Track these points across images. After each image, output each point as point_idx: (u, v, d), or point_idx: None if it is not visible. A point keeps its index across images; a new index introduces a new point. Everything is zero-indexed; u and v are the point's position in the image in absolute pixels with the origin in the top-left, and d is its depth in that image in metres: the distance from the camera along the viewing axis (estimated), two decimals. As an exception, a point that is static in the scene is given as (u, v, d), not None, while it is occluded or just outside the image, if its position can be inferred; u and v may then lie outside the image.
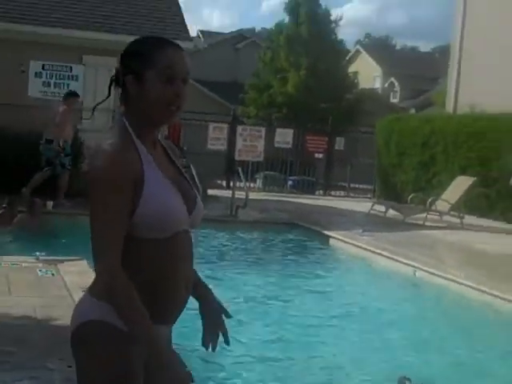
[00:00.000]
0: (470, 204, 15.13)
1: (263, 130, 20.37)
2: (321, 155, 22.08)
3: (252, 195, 15.00)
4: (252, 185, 19.91)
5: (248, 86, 32.43)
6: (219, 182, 19.70)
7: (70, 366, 2.37)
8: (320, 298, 8.61)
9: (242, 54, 40.83)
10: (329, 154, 22.13)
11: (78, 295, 2.27)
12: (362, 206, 16.53)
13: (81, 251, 7.65)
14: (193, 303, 2.47)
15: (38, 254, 8.23)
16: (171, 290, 2.30)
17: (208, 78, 35.02)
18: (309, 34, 31.31)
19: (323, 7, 33.00)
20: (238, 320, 7.31)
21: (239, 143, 19.36)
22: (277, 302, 8.39)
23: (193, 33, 31.53)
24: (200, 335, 2.48)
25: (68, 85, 15.76)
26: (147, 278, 2.25)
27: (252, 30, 51.01)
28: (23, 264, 7.90)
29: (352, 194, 21.81)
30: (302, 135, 22.28)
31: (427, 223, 14.07)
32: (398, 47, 67.93)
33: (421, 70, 44.56)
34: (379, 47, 57.25)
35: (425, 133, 18.09)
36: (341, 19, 33.46)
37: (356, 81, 34.49)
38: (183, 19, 17.67)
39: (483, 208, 15.67)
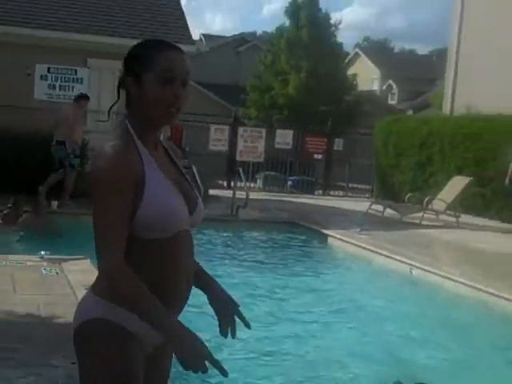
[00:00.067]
0: (466, 203, 15.14)
1: (264, 131, 20.32)
2: (320, 156, 22.08)
3: (252, 195, 15.01)
4: (252, 185, 19.92)
5: (249, 87, 32.41)
6: (220, 182, 19.71)
7: (73, 363, 2.37)
8: (318, 295, 8.61)
9: (243, 57, 40.81)
10: (328, 155, 22.13)
11: (81, 293, 2.29)
12: (360, 205, 16.54)
13: (84, 250, 7.65)
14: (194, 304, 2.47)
15: (42, 253, 8.23)
16: (173, 286, 2.31)
17: (210, 81, 35.03)
18: (309, 37, 31.30)
19: (323, 11, 33.01)
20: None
21: (240, 144, 19.33)
22: (276, 298, 8.39)
23: (195, 36, 31.73)
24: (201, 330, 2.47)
25: (73, 87, 15.77)
26: (150, 277, 2.25)
27: (253, 34, 50.88)
28: (28, 263, 7.91)
29: (350, 194, 21.80)
30: (302, 136, 22.29)
31: (424, 222, 14.07)
32: (396, 50, 67.87)
33: (418, 73, 44.51)
34: (378, 50, 57.21)
35: (422, 134, 18.08)
36: (340, 23, 33.47)
37: (355, 83, 34.44)
38: (186, 23, 17.68)
39: (479, 207, 15.67)
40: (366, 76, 43.96)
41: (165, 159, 2.40)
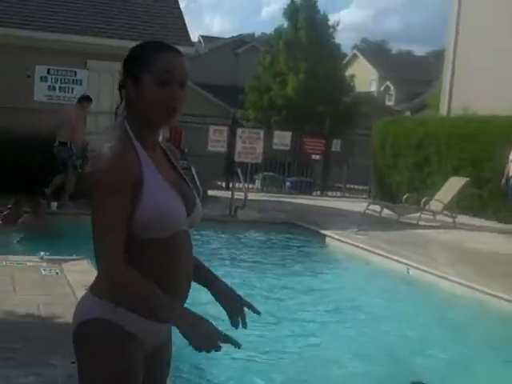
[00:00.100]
0: (462, 204, 15.15)
1: (262, 132, 20.39)
2: (318, 157, 22.08)
3: (251, 196, 15.03)
4: (251, 186, 19.95)
5: (248, 88, 32.40)
6: (219, 183, 19.69)
7: (73, 363, 2.37)
8: (316, 294, 8.62)
9: (241, 58, 40.79)
10: (326, 156, 22.14)
11: (81, 293, 2.30)
12: (357, 206, 16.55)
13: (84, 251, 7.67)
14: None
15: (42, 253, 8.24)
16: (173, 286, 2.31)
17: (209, 82, 35.00)
18: (307, 39, 31.27)
19: (321, 13, 32.98)
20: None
21: (239, 145, 19.37)
22: (274, 298, 8.39)
23: (194, 38, 31.67)
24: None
25: (72, 89, 15.78)
26: (150, 276, 2.24)
27: (252, 35, 50.82)
28: (28, 263, 7.92)
29: (348, 195, 21.81)
30: (300, 137, 22.29)
31: (421, 223, 14.07)
32: (393, 51, 67.72)
33: (415, 74, 44.52)
34: (375, 51, 57.15)
35: (419, 135, 18.09)
36: (338, 24, 33.45)
37: (352, 84, 34.40)
38: (185, 25, 17.66)
39: (476, 208, 15.68)
40: (364, 77, 43.94)
41: (163, 160, 2.40)
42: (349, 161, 22.61)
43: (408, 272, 9.59)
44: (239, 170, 15.06)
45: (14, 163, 13.11)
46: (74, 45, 15.47)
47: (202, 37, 47.38)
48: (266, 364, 6.00)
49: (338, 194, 21.81)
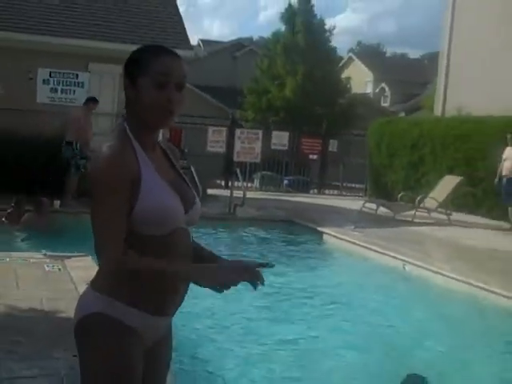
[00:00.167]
0: (457, 202, 15.16)
1: (260, 132, 20.40)
2: (315, 156, 22.08)
3: (249, 194, 15.02)
4: (250, 184, 19.96)
5: (247, 90, 32.43)
6: (218, 181, 19.69)
7: (75, 356, 2.36)
8: (313, 289, 8.60)
9: (240, 61, 40.84)
10: (323, 155, 22.13)
11: (83, 289, 2.30)
12: (354, 204, 16.54)
13: (86, 248, 7.65)
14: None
15: (43, 251, 8.23)
16: (171, 283, 2.30)
17: (208, 84, 35.05)
18: (305, 42, 31.30)
19: (318, 17, 32.99)
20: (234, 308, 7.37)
21: (237, 145, 19.38)
22: (272, 293, 8.38)
23: (193, 42, 31.69)
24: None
25: (74, 91, 15.80)
26: (150, 271, 2.24)
27: (250, 39, 50.82)
28: (31, 260, 7.91)
29: (345, 193, 21.81)
30: (298, 137, 22.30)
31: (416, 220, 14.07)
32: (388, 54, 67.81)
33: (410, 76, 44.55)
34: (371, 54, 57.16)
35: (414, 135, 18.12)
36: (334, 28, 33.46)
37: (349, 86, 34.43)
38: (184, 29, 17.68)
39: (470, 206, 15.69)
40: (360, 79, 43.96)
41: (162, 160, 2.40)
42: (345, 160, 22.61)
43: (404, 268, 9.59)
44: (238, 170, 15.05)
45: (16, 163, 13.09)
46: (75, 48, 15.49)
47: (202, 41, 47.41)
48: (263, 354, 5.99)
49: (335, 192, 21.82)
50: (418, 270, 9.31)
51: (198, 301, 6.76)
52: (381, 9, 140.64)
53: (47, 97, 15.63)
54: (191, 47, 17.94)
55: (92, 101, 13.25)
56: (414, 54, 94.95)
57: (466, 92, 17.65)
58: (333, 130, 24.07)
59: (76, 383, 2.35)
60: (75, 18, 16.40)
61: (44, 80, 15.61)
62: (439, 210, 14.51)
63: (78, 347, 2.32)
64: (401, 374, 4.60)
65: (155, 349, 2.39)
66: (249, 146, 19.35)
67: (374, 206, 14.96)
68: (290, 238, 12.33)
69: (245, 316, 7.18)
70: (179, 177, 2.42)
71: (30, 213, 10.90)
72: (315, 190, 21.97)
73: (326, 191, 21.83)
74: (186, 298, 2.42)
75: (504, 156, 13.41)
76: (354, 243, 11.13)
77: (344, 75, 35.81)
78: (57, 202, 12.36)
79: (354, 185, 22.78)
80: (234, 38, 48.76)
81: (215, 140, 19.65)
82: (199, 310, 6.86)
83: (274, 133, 21.58)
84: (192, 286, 2.39)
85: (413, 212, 14.28)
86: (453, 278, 8.62)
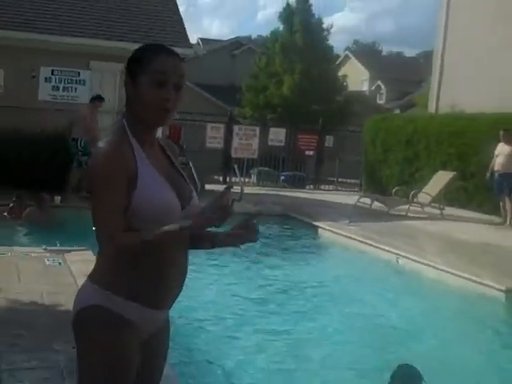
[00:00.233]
0: (449, 196, 15.17)
1: (258, 129, 20.38)
2: (311, 152, 22.06)
3: (247, 189, 14.79)
4: (247, 180, 19.95)
5: (245, 87, 32.41)
6: (216, 177, 19.66)
7: (74, 348, 2.37)
8: (308, 282, 8.61)
9: (238, 59, 40.77)
10: (319, 151, 22.11)
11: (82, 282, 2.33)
12: (349, 198, 16.51)
13: (86, 242, 7.67)
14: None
15: (44, 246, 8.23)
16: (167, 277, 2.30)
17: (207, 82, 35.01)
18: (303, 41, 31.26)
19: (316, 16, 32.96)
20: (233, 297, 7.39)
21: (235, 142, 19.36)
22: (268, 285, 8.42)
23: (193, 40, 31.57)
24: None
25: (76, 89, 15.76)
26: (145, 266, 2.25)
27: (248, 38, 50.73)
28: (32, 254, 7.91)
29: (340, 188, 21.75)
30: (294, 134, 22.28)
31: (410, 214, 14.06)
32: (384, 53, 67.64)
33: (405, 74, 44.49)
34: (367, 53, 57.08)
35: (408, 131, 18.13)
36: (332, 27, 33.42)
37: (345, 84, 34.38)
38: (184, 28, 17.65)
39: (462, 200, 15.69)
40: (356, 77, 43.91)
41: (160, 156, 2.40)
42: (341, 156, 22.59)
43: (398, 261, 9.59)
44: (236, 166, 15.05)
45: (18, 160, 13.09)
46: (77, 47, 15.46)
47: (201, 39, 47.31)
48: (258, 345, 6.01)
49: (331, 187, 21.78)
50: (412, 263, 9.32)
51: (194, 293, 6.81)
52: (378, 8, 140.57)
53: (49, 94, 15.59)
54: (191, 46, 17.90)
55: (98, 99, 13.38)
56: (409, 52, 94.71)
57: (460, 90, 17.64)
58: (329, 127, 24.02)
59: (75, 375, 2.35)
60: (77, 16, 16.36)
61: (46, 78, 15.57)
62: (432, 204, 14.51)
63: (76, 339, 2.32)
64: (392, 364, 4.59)
65: (152, 341, 2.39)
66: (246, 142, 19.34)
67: (368, 200, 14.95)
68: (287, 232, 12.33)
69: (241, 307, 7.20)
70: (177, 173, 2.41)
71: (31, 207, 10.90)
72: (311, 186, 21.94)
73: (322, 186, 21.79)
74: (182, 291, 2.42)
75: (496, 152, 13.40)
76: (349, 237, 11.12)
77: (340, 73, 35.74)
78: (57, 198, 12.36)
79: (349, 180, 22.77)
80: (232, 36, 48.60)
81: (213, 136, 19.61)
82: (195, 303, 6.88)
83: (271, 129, 21.54)
84: (188, 280, 2.39)
85: (407, 206, 14.27)
86: (445, 271, 8.62)
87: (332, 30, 33.24)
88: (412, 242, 10.80)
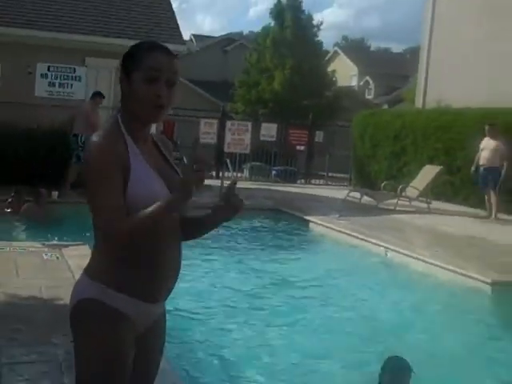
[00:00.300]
0: (436, 190, 15.20)
1: (250, 124, 20.37)
2: (302, 147, 22.07)
3: (239, 184, 14.84)
4: (239, 174, 19.95)
5: (238, 82, 32.37)
6: (210, 173, 19.65)
7: (72, 341, 2.37)
8: (299, 275, 8.62)
9: (230, 55, 40.70)
10: (309, 146, 22.12)
11: (80, 277, 2.35)
12: (339, 193, 16.53)
13: (83, 237, 7.65)
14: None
15: (42, 241, 8.23)
16: (161, 271, 2.30)
17: (200, 78, 34.94)
18: (293, 37, 31.25)
19: (306, 13, 32.94)
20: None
21: (228, 137, 19.35)
22: (260, 277, 8.44)
23: (186, 37, 31.43)
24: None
25: (72, 85, 15.71)
26: (140, 260, 2.25)
27: (240, 34, 50.60)
28: (30, 249, 7.89)
29: (330, 183, 21.80)
30: (285, 129, 22.28)
31: (398, 208, 14.08)
32: (372, 48, 67.61)
33: (393, 69, 44.50)
34: (355, 48, 57.06)
35: (396, 126, 18.13)
36: (322, 24, 33.44)
37: (334, 79, 34.40)
38: (177, 24, 17.60)
39: (448, 194, 15.73)
40: (345, 73, 43.89)
41: (153, 152, 2.39)
42: (330, 151, 22.61)
43: (386, 254, 9.62)
44: (228, 160, 15.03)
45: (15, 156, 13.04)
46: (73, 43, 15.42)
47: (194, 36, 47.21)
48: (251, 338, 6.03)
49: (321, 182, 21.82)
50: (400, 256, 9.34)
51: (188, 286, 6.83)
52: (366, 4, 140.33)
53: (45, 90, 15.54)
54: (184, 42, 17.87)
55: (98, 95, 13.33)
56: (396, 48, 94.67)
57: (446, 85, 17.67)
58: (319, 121, 24.04)
59: (73, 369, 2.35)
60: (72, 13, 16.28)
61: (42, 74, 15.51)
62: (420, 198, 14.54)
63: (72, 333, 2.32)
64: (381, 356, 4.61)
65: (147, 335, 2.38)
66: (239, 137, 19.32)
67: (358, 195, 14.97)
68: (278, 226, 12.33)
69: (234, 300, 7.21)
70: (171, 169, 2.40)
71: (29, 203, 10.86)
72: (302, 180, 21.97)
73: (313, 181, 21.83)
74: (176, 284, 2.41)
75: (481, 146, 13.43)
76: (339, 231, 11.13)
77: (330, 69, 35.76)
78: (55, 193, 12.33)
79: (338, 175, 22.81)
80: (224, 32, 48.48)
81: (206, 132, 19.59)
82: (190, 296, 6.89)
83: (263, 125, 21.55)
84: (182, 273, 2.39)
85: (395, 201, 14.30)
86: (433, 264, 8.65)
87: (321, 26, 33.28)
88: (400, 235, 10.83)
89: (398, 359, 4.37)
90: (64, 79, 15.73)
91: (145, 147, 2.32)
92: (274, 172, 22.20)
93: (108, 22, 16.50)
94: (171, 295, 2.41)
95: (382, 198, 14.65)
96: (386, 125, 18.61)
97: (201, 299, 7.14)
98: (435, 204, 14.66)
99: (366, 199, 14.67)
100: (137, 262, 2.24)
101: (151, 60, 2.23)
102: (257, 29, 40.24)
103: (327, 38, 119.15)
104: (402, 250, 9.41)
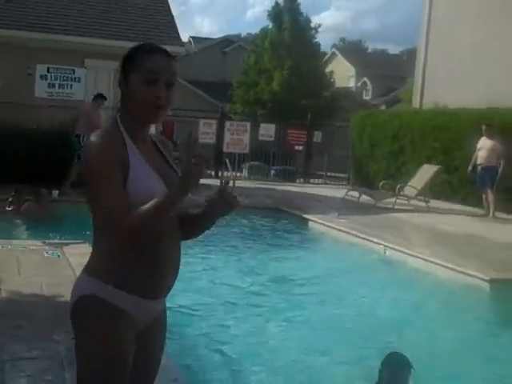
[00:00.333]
0: (434, 189, 15.20)
1: (248, 124, 20.40)
2: (301, 147, 22.07)
3: (238, 183, 14.87)
4: (239, 174, 19.96)
5: (237, 83, 32.39)
6: (209, 171, 19.63)
7: (73, 338, 2.36)
8: (300, 273, 8.61)
9: (229, 57, 40.75)
10: (308, 146, 22.12)
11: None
12: (337, 192, 16.51)
13: (84, 235, 7.64)
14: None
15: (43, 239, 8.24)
16: (161, 268, 2.29)
17: (199, 79, 34.98)
18: (291, 38, 31.28)
19: (304, 15, 32.98)
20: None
21: (227, 137, 19.37)
22: (261, 274, 8.45)
23: (184, 38, 31.46)
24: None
25: (71, 86, 15.72)
26: (139, 257, 2.24)
27: (238, 36, 50.76)
28: (31, 247, 7.92)
29: (329, 182, 21.79)
30: (284, 129, 22.29)
31: (396, 207, 14.08)
32: (369, 50, 67.62)
33: (390, 71, 44.56)
34: (353, 50, 57.09)
35: (394, 126, 18.14)
36: (320, 26, 33.50)
37: (332, 80, 34.44)
38: (175, 26, 17.63)
39: (446, 193, 15.73)
40: (343, 74, 43.95)
41: (152, 151, 2.38)
42: (329, 151, 22.61)
43: (385, 252, 9.61)
44: (227, 160, 15.03)
45: (16, 155, 13.05)
46: (72, 45, 15.43)
47: (192, 37, 47.21)
48: (252, 335, 6.03)
49: (320, 181, 21.81)
50: (398, 254, 9.34)
51: (189, 283, 6.82)
52: (363, 7, 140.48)
53: (45, 91, 15.55)
54: (182, 44, 17.91)
55: (100, 97, 13.37)
56: (393, 50, 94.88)
57: (443, 86, 17.69)
58: (317, 122, 24.04)
59: (74, 364, 2.34)
60: (71, 15, 16.30)
61: (42, 75, 15.52)
62: (418, 197, 14.54)
63: (73, 330, 2.31)
64: (380, 353, 4.61)
65: (148, 331, 2.37)
66: (238, 137, 19.34)
67: (356, 194, 14.96)
68: (278, 225, 12.32)
69: (234, 297, 7.22)
70: (170, 169, 2.40)
71: (29, 202, 10.86)
72: (301, 180, 21.96)
73: (312, 180, 21.82)
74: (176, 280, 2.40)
75: (478, 146, 13.44)
76: (338, 229, 11.12)
77: (327, 70, 35.77)
78: (55, 192, 12.32)
79: (337, 174, 22.80)
80: (222, 34, 48.54)
81: (206, 132, 19.60)
82: (191, 293, 6.89)
83: (262, 125, 21.56)
84: (182, 270, 2.38)
85: (393, 199, 14.29)
86: (432, 262, 8.64)
87: (319, 29, 33.33)
88: (399, 233, 10.82)
89: (398, 355, 4.37)
90: (63, 80, 15.74)
91: (144, 147, 2.32)
92: (272, 171, 22.20)
93: (107, 24, 16.52)
94: (172, 292, 2.41)
95: (381, 197, 14.65)
96: (384, 125, 18.62)
97: (201, 296, 7.15)
98: (433, 203, 14.65)
99: (364, 198, 14.66)
100: (136, 261, 2.24)
101: (150, 62, 2.24)
102: (254, 31, 40.34)
103: (325, 39, 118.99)
104: (400, 248, 9.40)
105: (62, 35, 15.53)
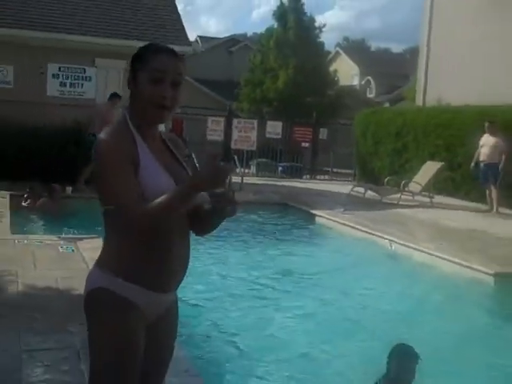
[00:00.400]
0: (438, 186, 15.16)
1: (256, 122, 20.35)
2: (307, 144, 22.07)
3: (246, 180, 14.98)
4: (246, 171, 19.94)
5: (243, 81, 32.39)
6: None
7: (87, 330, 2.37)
8: (307, 267, 8.62)
9: (235, 56, 40.70)
10: (314, 143, 22.11)
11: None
12: (343, 188, 16.51)
13: (97, 230, 7.66)
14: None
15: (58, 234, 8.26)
16: (171, 261, 2.29)
17: (206, 78, 34.96)
18: (296, 38, 31.25)
19: (308, 15, 32.95)
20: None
21: (235, 134, 19.33)
22: (269, 267, 8.46)
23: (192, 38, 31.36)
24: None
25: (82, 85, 15.73)
26: (149, 251, 2.24)
27: (244, 35, 50.62)
28: (47, 242, 7.95)
29: (335, 178, 21.78)
30: (290, 127, 22.29)
31: (401, 203, 14.06)
32: (372, 49, 67.42)
33: (393, 69, 44.38)
34: (356, 49, 56.91)
35: (398, 124, 18.09)
36: (324, 25, 33.45)
37: (336, 79, 34.38)
38: (182, 26, 17.59)
39: (450, 189, 15.70)
40: (346, 72, 43.83)
41: (162, 149, 2.38)
42: (334, 148, 22.60)
43: (391, 246, 9.60)
44: (235, 157, 15.04)
45: (29, 153, 13.07)
46: (83, 44, 15.42)
47: (199, 37, 47.15)
48: (258, 327, 6.04)
49: (326, 177, 21.81)
50: (403, 248, 9.33)
51: (200, 276, 6.83)
52: (367, 6, 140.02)
53: (57, 90, 15.56)
54: (189, 43, 17.85)
55: (116, 96, 13.31)
56: (396, 48, 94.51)
57: (445, 83, 17.63)
58: (321, 119, 24.03)
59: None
60: (82, 15, 16.30)
61: (54, 74, 15.53)
62: (422, 193, 14.52)
63: (87, 322, 2.32)
64: (389, 344, 4.60)
65: (160, 323, 2.38)
66: (245, 134, 19.30)
67: (362, 189, 14.95)
68: (286, 220, 12.34)
69: (242, 289, 7.23)
70: (179, 166, 2.39)
71: (44, 198, 10.90)
72: (308, 176, 21.97)
73: (318, 176, 21.82)
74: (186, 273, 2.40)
75: (481, 143, 13.40)
76: (345, 224, 11.13)
77: (331, 69, 35.72)
78: (69, 189, 12.35)
79: (343, 170, 22.79)
80: (229, 34, 48.46)
81: (214, 129, 19.62)
82: (202, 286, 6.91)
83: (269, 122, 21.57)
84: (193, 265, 2.37)
85: (398, 195, 14.27)
86: (436, 256, 8.64)
87: (323, 28, 33.29)
88: (404, 228, 10.81)
89: (406, 346, 4.36)
90: (75, 79, 15.75)
91: (153, 144, 2.31)
92: (280, 168, 22.22)
93: (116, 24, 16.52)
94: (183, 284, 2.40)
95: (386, 193, 14.63)
96: (388, 122, 18.57)
97: (212, 288, 7.16)
98: (437, 198, 14.63)
99: (369, 194, 14.64)
100: (145, 257, 2.24)
101: (156, 62, 2.23)
102: (260, 30, 40.30)
103: (329, 39, 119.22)
104: (406, 243, 9.39)
105: (73, 35, 15.52)
